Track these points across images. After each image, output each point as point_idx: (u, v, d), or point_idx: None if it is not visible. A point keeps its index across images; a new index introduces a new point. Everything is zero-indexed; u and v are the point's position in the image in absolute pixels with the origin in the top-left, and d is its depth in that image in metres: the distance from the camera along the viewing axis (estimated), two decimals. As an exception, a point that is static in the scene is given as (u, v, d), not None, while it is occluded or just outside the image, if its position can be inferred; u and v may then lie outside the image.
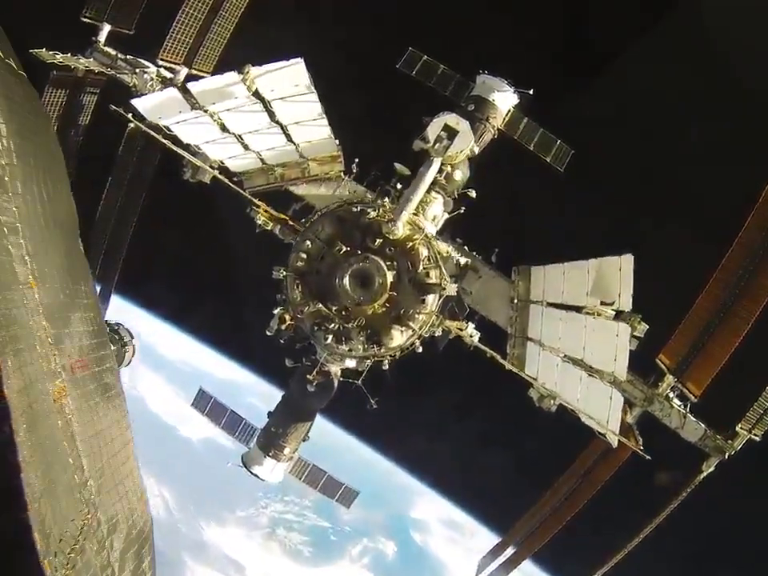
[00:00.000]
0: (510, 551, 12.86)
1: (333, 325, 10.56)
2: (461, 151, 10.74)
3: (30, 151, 7.34)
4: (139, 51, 11.59)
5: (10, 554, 5.31)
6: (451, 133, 10.54)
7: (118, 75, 11.27)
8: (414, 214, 10.56)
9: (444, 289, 10.38)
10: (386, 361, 10.89)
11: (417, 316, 10.49)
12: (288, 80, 8.70)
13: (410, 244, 10.37)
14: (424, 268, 10.43)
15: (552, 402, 10.45)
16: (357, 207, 10.71)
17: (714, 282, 9.49)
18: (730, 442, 9.66)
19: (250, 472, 12.89)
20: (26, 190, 6.88)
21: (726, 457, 9.64)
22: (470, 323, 10.66)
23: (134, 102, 8.80)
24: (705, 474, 9.65)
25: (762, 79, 15.40)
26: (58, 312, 7.03)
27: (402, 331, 10.50)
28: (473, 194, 11.31)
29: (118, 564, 6.59)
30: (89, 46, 11.31)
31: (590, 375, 9.28)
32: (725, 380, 9.31)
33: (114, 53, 11.40)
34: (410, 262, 10.42)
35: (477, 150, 11.76)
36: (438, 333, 10.72)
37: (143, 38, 11.78)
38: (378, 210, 10.48)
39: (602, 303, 8.91)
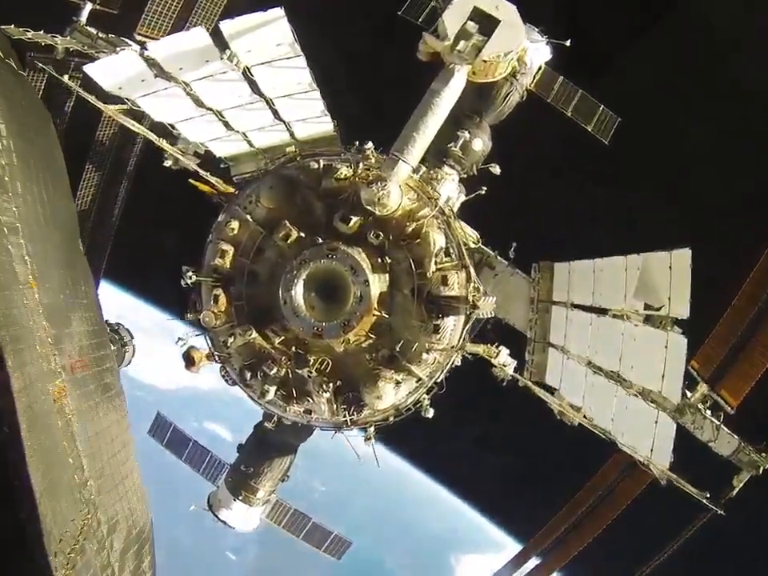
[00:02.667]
0: (528, 566, 12.37)
1: (275, 369, 6.75)
2: (504, 56, 6.61)
3: (31, 151, 7.35)
4: (125, 33, 10.44)
5: (10, 554, 5.32)
6: (486, 24, 6.44)
7: (97, 55, 9.81)
8: (421, 175, 6.73)
9: (475, 307, 6.63)
10: (371, 430, 7.06)
11: (425, 355, 6.62)
12: (268, 38, 6.44)
13: (414, 226, 6.53)
14: (439, 269, 6.52)
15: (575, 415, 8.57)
16: (318, 161, 6.89)
17: (751, 282, 8.28)
18: (764, 455, 8.64)
19: (217, 518, 10.24)
20: (26, 190, 6.89)
21: (760, 472, 8.63)
22: (502, 348, 7.69)
23: (86, 68, 6.87)
24: (737, 489, 8.66)
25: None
26: (58, 312, 7.03)
27: (398, 382, 6.60)
28: (496, 169, 8.16)
29: (118, 564, 6.59)
30: (68, 26, 10.31)
31: (628, 392, 7.53)
32: (760, 387, 8.54)
33: (94, 32, 10.27)
34: (412, 257, 6.57)
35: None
36: (457, 363, 7.61)
37: (129, 19, 10.52)
38: (355, 166, 6.67)
39: (647, 308, 6.94)
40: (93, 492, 6.46)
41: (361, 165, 6.56)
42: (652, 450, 6.95)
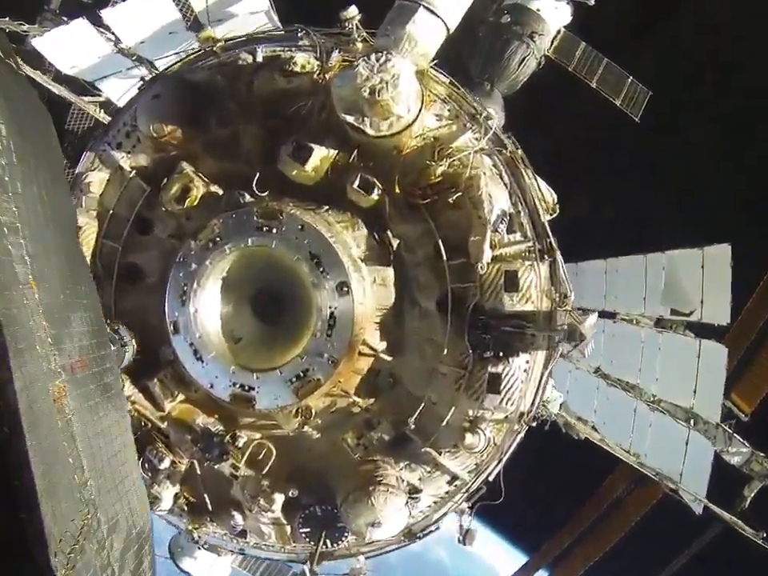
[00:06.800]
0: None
1: (167, 460, 3.92)
2: None
3: (30, 151, 7.35)
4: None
5: (10, 554, 5.31)
6: None
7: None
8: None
9: (573, 336, 3.89)
10: (363, 563, 4.00)
11: (469, 436, 3.85)
12: (240, 5, 4.85)
13: (445, 166, 3.87)
14: (497, 257, 3.83)
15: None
16: (253, 53, 4.12)
17: (766, 285, 8.14)
18: (777, 464, 7.43)
19: (179, 568, 8.92)
20: (26, 189, 6.89)
21: (773, 481, 7.44)
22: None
23: (34, 42, 5.28)
24: (748, 500, 8.62)
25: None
26: (58, 312, 7.04)
27: (414, 490, 3.92)
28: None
29: (118, 564, 6.59)
30: (39, 15, 10.56)
31: (653, 409, 6.40)
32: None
33: (65, 19, 10.36)
34: (443, 233, 3.88)
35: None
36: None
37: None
38: (326, 54, 3.94)
39: (675, 313, 5.64)
40: (93, 492, 6.46)
41: (336, 53, 3.62)
42: (682, 473, 6.15)
